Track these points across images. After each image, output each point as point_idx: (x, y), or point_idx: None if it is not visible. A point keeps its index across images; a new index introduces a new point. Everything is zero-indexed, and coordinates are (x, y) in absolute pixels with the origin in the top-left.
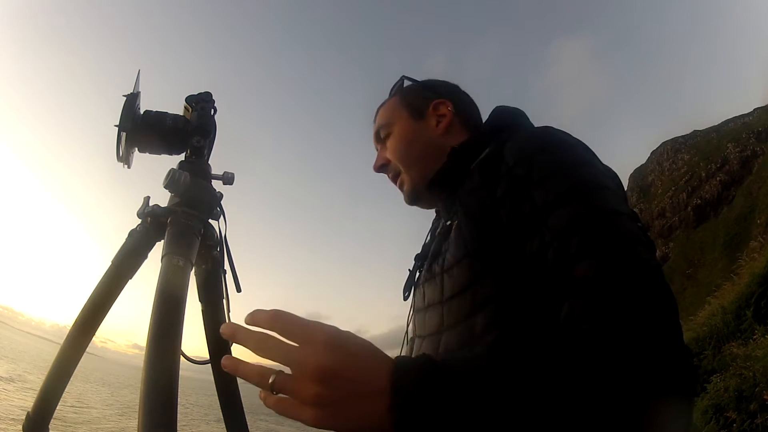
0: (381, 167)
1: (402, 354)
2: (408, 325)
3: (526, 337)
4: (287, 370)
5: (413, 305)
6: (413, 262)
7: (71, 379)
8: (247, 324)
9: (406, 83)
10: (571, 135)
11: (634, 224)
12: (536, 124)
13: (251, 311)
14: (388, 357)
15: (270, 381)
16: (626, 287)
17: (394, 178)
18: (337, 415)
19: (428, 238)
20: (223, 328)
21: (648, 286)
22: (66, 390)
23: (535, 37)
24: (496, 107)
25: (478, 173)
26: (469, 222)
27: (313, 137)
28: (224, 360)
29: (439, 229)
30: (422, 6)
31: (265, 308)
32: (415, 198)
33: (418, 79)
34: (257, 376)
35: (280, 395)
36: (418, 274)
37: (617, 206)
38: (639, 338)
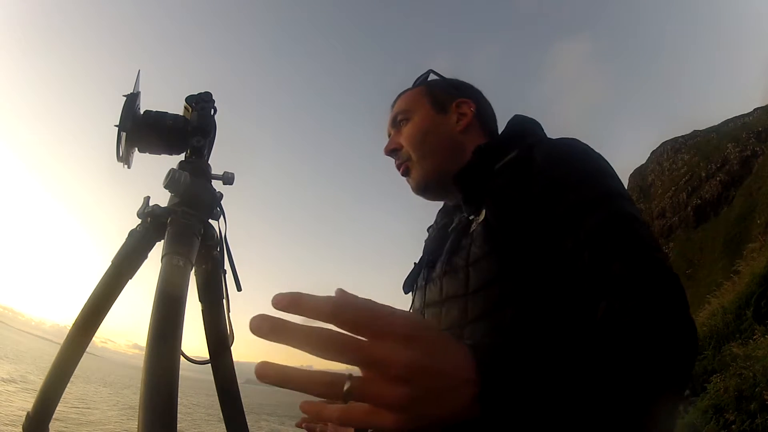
0: (392, 151)
1: None
2: None
3: (555, 328)
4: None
5: (422, 300)
6: (422, 256)
7: (74, 380)
8: (283, 310)
9: (432, 77)
10: (592, 148)
11: (650, 230)
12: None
13: (287, 293)
14: (460, 342)
15: (345, 389)
16: (656, 287)
17: (402, 165)
18: (422, 414)
19: (433, 232)
20: (258, 322)
21: (671, 286)
22: (68, 391)
23: (535, 41)
24: (516, 116)
25: (509, 173)
26: (500, 217)
27: (314, 137)
28: (264, 368)
29: (454, 225)
30: (423, 10)
31: (304, 292)
32: (423, 188)
33: (445, 76)
34: (326, 385)
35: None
36: (426, 269)
37: (638, 214)
38: (673, 331)
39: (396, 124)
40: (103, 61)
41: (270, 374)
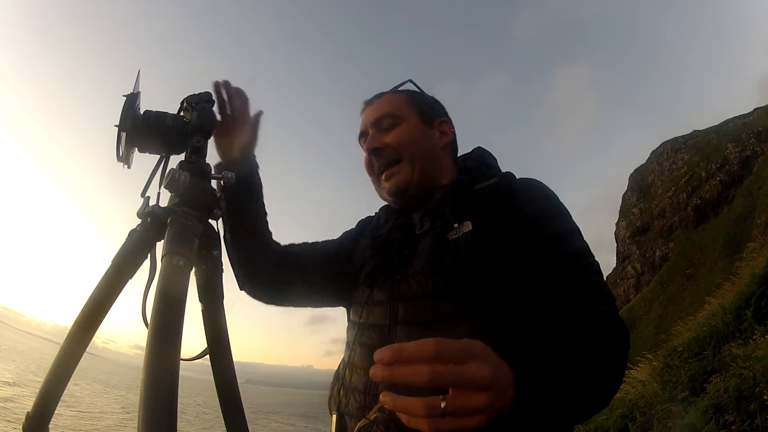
0: (376, 149)
1: (360, 338)
2: (367, 311)
3: (533, 326)
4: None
5: (393, 294)
6: (381, 253)
7: (94, 384)
8: (390, 363)
9: (413, 88)
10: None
11: (594, 259)
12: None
13: (386, 349)
14: (498, 355)
15: (443, 406)
16: (606, 298)
17: (388, 165)
18: (493, 412)
19: (386, 231)
20: (374, 372)
21: (611, 300)
22: (106, 399)
23: (538, 68)
24: (480, 147)
25: (495, 196)
26: (490, 229)
27: (315, 140)
28: (383, 397)
29: (425, 228)
30: (427, 40)
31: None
32: (405, 190)
33: (423, 90)
34: (426, 408)
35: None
36: (397, 266)
37: (587, 247)
38: (620, 329)
39: (379, 124)
40: (103, 61)
41: (388, 402)
